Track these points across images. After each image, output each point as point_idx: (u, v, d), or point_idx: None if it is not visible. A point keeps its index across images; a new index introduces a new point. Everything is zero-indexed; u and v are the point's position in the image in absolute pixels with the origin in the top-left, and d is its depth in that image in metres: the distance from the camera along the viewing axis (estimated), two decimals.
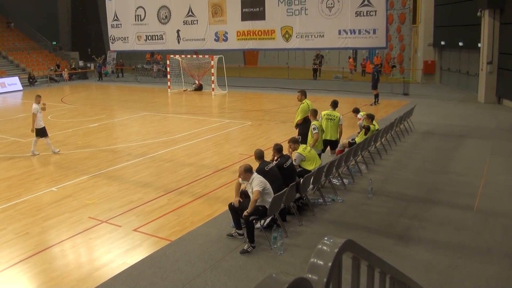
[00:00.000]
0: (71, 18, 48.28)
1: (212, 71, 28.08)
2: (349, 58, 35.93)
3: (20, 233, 8.67)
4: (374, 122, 12.89)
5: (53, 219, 9.32)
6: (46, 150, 14.83)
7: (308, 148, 10.09)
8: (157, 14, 24.23)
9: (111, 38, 26.72)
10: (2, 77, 33.37)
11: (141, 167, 12.92)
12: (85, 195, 10.71)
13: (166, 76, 30.98)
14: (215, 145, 15.26)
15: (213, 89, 28.12)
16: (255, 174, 8.02)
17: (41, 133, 14.26)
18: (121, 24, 25.87)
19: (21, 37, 41.20)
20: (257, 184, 7.85)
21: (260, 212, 7.88)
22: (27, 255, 7.78)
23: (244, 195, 8.38)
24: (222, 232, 8.36)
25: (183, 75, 30.28)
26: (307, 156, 9.77)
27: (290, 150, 9.93)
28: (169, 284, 6.70)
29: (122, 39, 26.17)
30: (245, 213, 7.71)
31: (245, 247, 7.66)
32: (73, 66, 39.16)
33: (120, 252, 7.77)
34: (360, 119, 13.58)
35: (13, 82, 33.15)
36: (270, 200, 7.87)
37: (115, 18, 26.04)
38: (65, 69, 37.96)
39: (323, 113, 11.89)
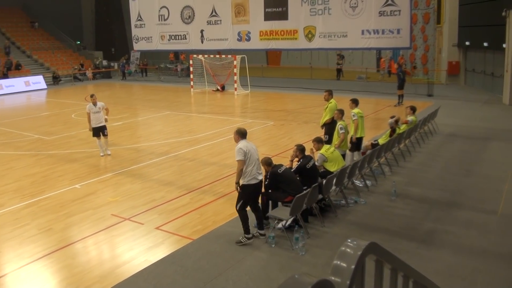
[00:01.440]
0: (95, 17, 48.91)
1: (234, 71, 28.13)
2: (381, 58, 35.65)
3: (44, 229, 8.81)
4: (399, 124, 13.02)
5: (76, 215, 9.45)
6: (70, 148, 15.04)
7: (332, 149, 10.00)
8: (181, 14, 24.34)
9: (134, 38, 26.91)
10: (26, 76, 33.96)
11: (164, 166, 13.01)
12: (108, 192, 10.84)
13: (189, 76, 31.16)
14: None
15: (235, 89, 28.17)
16: (238, 145, 7.84)
17: (94, 132, 13.92)
18: (144, 24, 26.05)
19: (45, 36, 41.86)
20: (236, 153, 7.74)
21: (250, 189, 7.86)
22: (50, 250, 7.91)
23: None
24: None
25: (206, 76, 30.41)
26: (330, 157, 9.69)
27: (314, 149, 9.85)
28: (190, 283, 6.74)
29: (145, 39, 26.33)
30: (236, 207, 7.93)
31: (240, 238, 7.83)
32: (97, 63, 39.60)
33: (142, 250, 7.84)
34: (393, 118, 13.29)
35: (37, 81, 33.70)
36: (252, 168, 7.75)
37: (139, 18, 26.23)
38: (89, 68, 38.46)
39: (355, 111, 11.73)
